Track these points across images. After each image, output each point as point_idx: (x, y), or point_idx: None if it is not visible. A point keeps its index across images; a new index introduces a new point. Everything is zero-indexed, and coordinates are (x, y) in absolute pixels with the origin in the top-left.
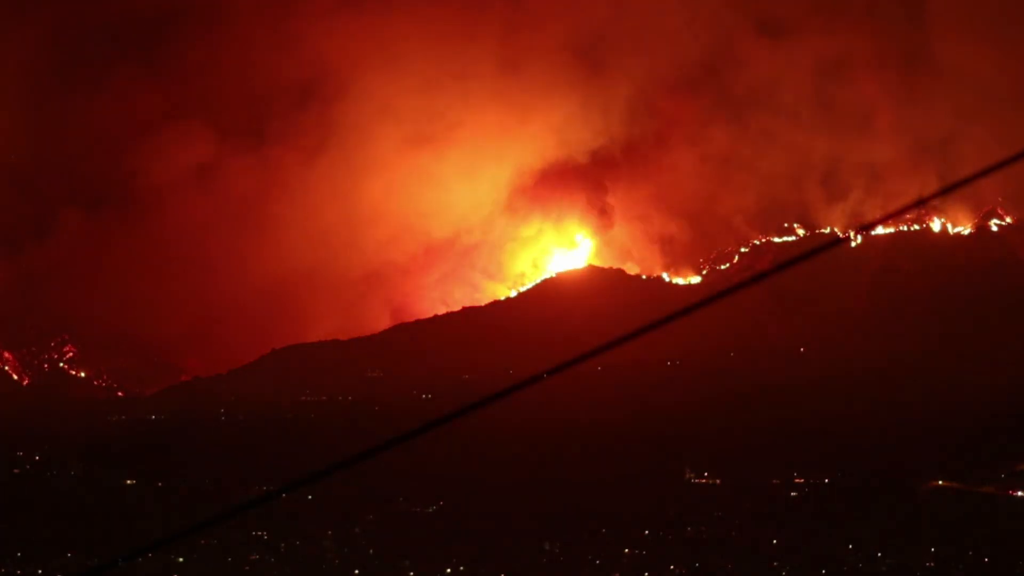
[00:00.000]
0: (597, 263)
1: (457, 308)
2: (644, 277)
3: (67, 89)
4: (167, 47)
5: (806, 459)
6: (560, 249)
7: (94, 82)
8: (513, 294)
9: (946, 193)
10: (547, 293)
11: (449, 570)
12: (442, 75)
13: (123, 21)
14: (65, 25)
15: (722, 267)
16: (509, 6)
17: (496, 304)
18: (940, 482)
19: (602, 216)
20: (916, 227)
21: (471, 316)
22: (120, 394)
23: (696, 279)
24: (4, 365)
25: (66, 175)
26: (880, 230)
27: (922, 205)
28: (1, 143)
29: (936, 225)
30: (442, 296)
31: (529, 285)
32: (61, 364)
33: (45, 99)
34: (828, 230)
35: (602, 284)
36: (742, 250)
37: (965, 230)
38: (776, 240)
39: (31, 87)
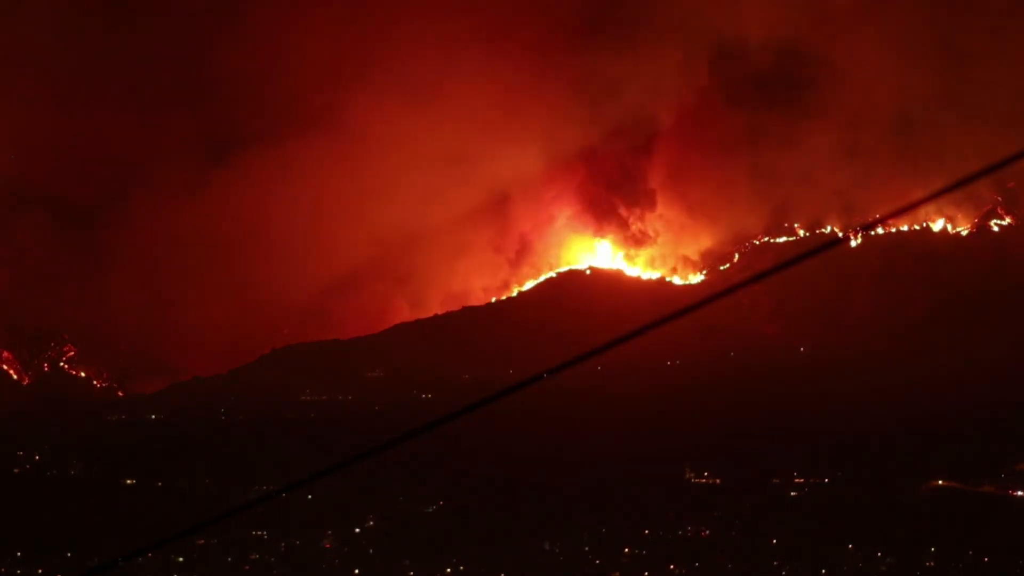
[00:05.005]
0: (597, 264)
1: (457, 307)
2: (644, 277)
3: (59, 103)
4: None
5: (806, 459)
6: (561, 249)
7: (94, 89)
8: (514, 294)
9: (946, 193)
10: (547, 293)
11: (449, 570)
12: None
13: None
14: None
15: (722, 267)
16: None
17: (496, 304)
18: (940, 482)
19: (602, 217)
20: (916, 227)
21: (471, 316)
22: (120, 394)
23: (696, 279)
24: (4, 365)
25: (66, 176)
26: (880, 230)
27: (921, 205)
28: (2, 145)
29: (936, 225)
30: (442, 294)
31: (530, 285)
32: (61, 364)
33: (46, 111)
34: (828, 230)
35: (602, 284)
36: (742, 250)
37: (965, 230)
38: (776, 240)
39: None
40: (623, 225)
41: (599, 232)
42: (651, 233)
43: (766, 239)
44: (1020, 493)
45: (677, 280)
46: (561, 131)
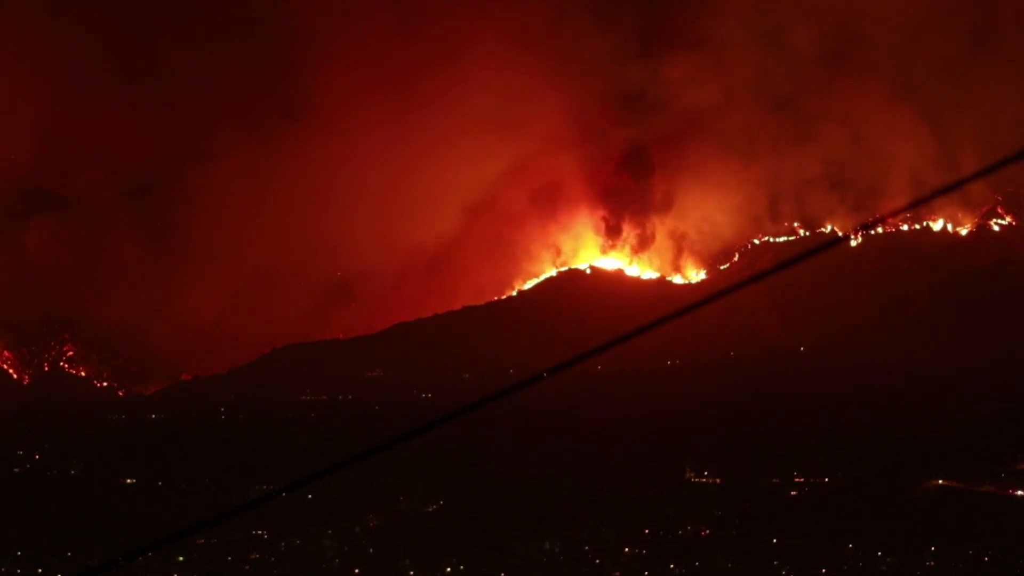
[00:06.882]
0: (597, 264)
1: (457, 307)
2: (644, 277)
3: (66, 98)
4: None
5: (806, 459)
6: (562, 250)
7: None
8: (514, 293)
9: (946, 193)
10: (547, 293)
11: (449, 569)
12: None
13: None
14: None
15: (722, 267)
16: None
17: (496, 304)
18: (940, 482)
19: (603, 216)
20: (916, 227)
21: (471, 316)
22: (120, 394)
23: (696, 279)
24: (4, 365)
25: (67, 176)
26: (880, 230)
27: (922, 205)
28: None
29: (936, 225)
30: (444, 294)
31: (530, 285)
32: (61, 364)
33: (49, 102)
34: (828, 230)
35: (602, 284)
36: (742, 250)
37: (965, 230)
38: (776, 240)
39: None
40: (624, 224)
41: (599, 231)
42: (651, 232)
43: (766, 239)
44: (1020, 493)
45: (677, 280)
46: (563, 130)
